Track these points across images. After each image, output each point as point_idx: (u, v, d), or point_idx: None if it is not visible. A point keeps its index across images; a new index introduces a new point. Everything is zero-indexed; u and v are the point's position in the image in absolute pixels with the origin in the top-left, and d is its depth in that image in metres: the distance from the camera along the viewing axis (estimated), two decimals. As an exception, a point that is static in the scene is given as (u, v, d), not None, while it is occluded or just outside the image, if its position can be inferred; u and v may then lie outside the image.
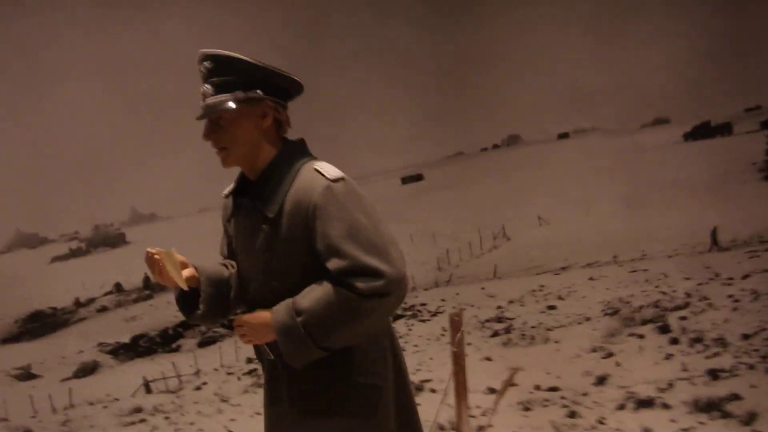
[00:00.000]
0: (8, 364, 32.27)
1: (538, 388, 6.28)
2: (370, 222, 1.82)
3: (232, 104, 1.88)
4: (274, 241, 1.90)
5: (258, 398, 9.34)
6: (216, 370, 16.55)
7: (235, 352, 20.78)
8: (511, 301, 16.70)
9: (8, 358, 34.46)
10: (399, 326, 15.75)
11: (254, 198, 1.95)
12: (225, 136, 1.92)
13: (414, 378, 7.76)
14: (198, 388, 12.63)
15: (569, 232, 36.70)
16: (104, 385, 19.43)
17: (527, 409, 5.54)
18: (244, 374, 13.39)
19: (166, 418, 8.89)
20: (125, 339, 36.80)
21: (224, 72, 1.90)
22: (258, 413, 7.76)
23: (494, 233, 42.38)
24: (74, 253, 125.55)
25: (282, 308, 1.85)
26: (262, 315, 1.90)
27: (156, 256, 1.95)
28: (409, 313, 19.13)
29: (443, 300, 21.02)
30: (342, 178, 1.86)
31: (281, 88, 1.96)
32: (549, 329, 10.43)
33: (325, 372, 1.90)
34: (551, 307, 13.63)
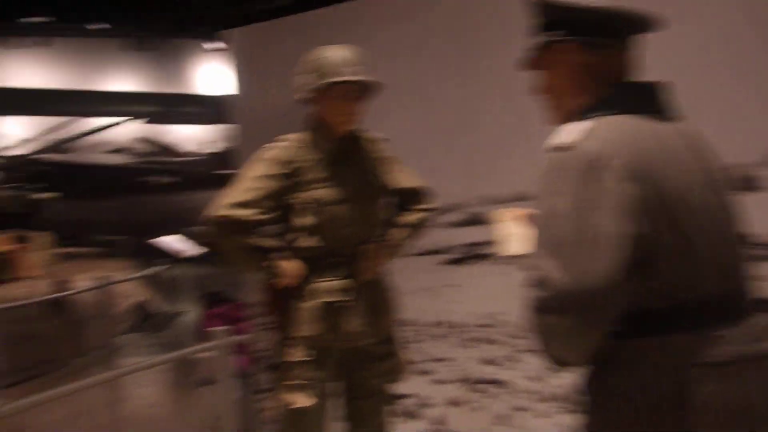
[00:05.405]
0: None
1: None
2: (574, 209, 1.33)
3: (536, 49, 1.59)
4: None
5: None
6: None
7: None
8: None
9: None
10: None
11: None
12: (542, 89, 1.63)
13: None
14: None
15: None
16: None
17: None
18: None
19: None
20: None
21: (536, 12, 1.58)
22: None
23: None
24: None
25: None
26: None
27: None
28: None
29: None
30: (563, 147, 1.37)
31: (599, 24, 1.49)
32: None
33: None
34: None
